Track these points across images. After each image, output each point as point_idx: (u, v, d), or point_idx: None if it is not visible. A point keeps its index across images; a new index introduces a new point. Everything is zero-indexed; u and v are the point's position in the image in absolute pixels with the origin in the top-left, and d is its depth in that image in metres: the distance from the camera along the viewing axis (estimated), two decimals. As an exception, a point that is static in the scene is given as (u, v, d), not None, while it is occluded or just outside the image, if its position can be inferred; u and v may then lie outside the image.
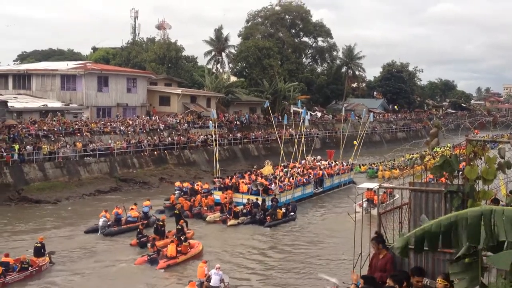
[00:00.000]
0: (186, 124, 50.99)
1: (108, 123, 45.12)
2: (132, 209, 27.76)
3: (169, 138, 46.22)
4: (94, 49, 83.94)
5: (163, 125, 48.65)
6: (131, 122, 46.72)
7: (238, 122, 58.27)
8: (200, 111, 56.99)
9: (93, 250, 23.31)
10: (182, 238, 22.54)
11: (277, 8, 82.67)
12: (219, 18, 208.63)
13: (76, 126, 41.70)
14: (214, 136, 40.17)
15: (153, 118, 50.93)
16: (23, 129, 37.82)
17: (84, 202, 34.12)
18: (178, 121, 50.97)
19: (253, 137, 55.08)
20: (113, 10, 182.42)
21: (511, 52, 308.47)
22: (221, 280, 18.22)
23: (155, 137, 45.45)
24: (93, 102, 49.80)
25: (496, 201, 11.16)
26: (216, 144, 38.96)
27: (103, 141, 41.05)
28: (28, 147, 35.53)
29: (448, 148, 46.15)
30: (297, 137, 41.36)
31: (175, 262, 21.07)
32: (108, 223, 26.08)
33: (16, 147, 34.73)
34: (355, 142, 42.06)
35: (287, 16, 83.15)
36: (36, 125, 39.29)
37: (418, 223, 8.74)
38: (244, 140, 53.69)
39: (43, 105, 45.74)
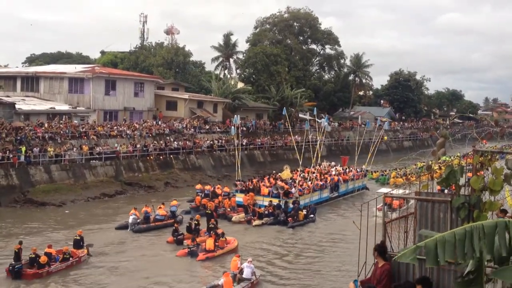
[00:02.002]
0: (192, 129, 51.06)
1: (115, 127, 45.23)
2: (160, 208, 29.28)
3: (175, 142, 46.28)
4: (103, 52, 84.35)
5: (169, 130, 48.73)
6: (137, 126, 46.82)
7: (244, 128, 58.29)
8: (207, 116, 57.07)
9: (127, 244, 25.10)
10: (224, 232, 24.43)
11: (286, 15, 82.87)
12: (227, 24, 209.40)
13: (83, 129, 41.83)
14: (236, 141, 41.50)
15: (160, 122, 51.04)
16: (30, 131, 37.98)
17: (88, 205, 34.20)
18: (184, 125, 51.05)
19: (259, 143, 55.04)
20: (122, 15, 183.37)
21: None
22: (253, 273, 19.60)
23: (161, 142, 45.53)
24: (100, 106, 49.99)
25: (503, 212, 11.08)
26: (238, 149, 39.97)
27: (109, 145, 41.16)
28: (34, 149, 35.66)
29: (457, 157, 46.12)
30: (304, 143, 42.11)
31: (213, 256, 22.87)
32: (138, 220, 27.64)
33: (23, 149, 34.86)
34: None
35: (295, 23, 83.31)
36: (43, 128, 39.45)
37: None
38: (250, 146, 53.68)
39: (51, 108, 45.94)
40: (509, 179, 7.70)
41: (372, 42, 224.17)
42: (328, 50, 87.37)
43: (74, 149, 38.27)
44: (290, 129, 47.33)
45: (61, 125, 41.18)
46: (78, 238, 23.04)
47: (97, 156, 38.97)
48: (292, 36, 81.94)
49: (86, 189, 36.25)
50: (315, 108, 50.64)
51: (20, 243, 21.08)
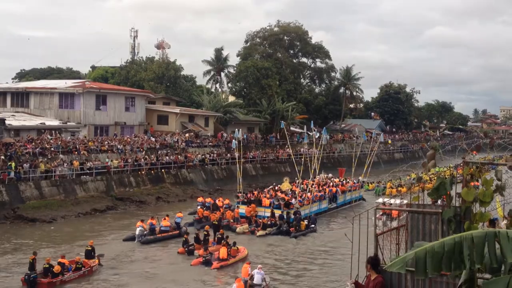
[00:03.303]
0: (183, 143, 50.96)
1: (106, 142, 45.05)
2: (164, 219, 30.15)
3: (167, 157, 46.14)
4: (93, 67, 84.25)
5: (160, 144, 48.58)
6: (128, 141, 46.66)
7: (236, 142, 58.20)
8: (198, 130, 57.02)
9: (137, 254, 26.06)
10: (231, 243, 25.46)
11: (276, 29, 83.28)
12: (217, 38, 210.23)
13: (74, 144, 41.61)
14: (237, 154, 42.51)
15: (151, 137, 50.90)
16: (21, 147, 37.72)
17: (79, 220, 33.90)
18: (176, 140, 50.95)
19: (251, 157, 55.00)
20: (112, 30, 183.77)
21: (505, 75, 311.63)
22: (263, 279, 20.77)
23: (153, 156, 45.37)
24: (91, 121, 49.82)
25: (492, 222, 11.13)
26: (239, 162, 41.05)
27: (100, 160, 40.95)
28: (25, 165, 35.41)
29: (448, 169, 46.52)
30: (304, 156, 43.40)
31: (226, 264, 24.10)
32: (145, 232, 28.46)
33: (13, 165, 34.59)
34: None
35: (285, 37, 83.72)
36: (33, 143, 39.21)
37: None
38: (242, 160, 53.55)
39: (41, 123, 45.71)
40: (499, 190, 7.74)
41: (362, 55, 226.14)
42: (319, 63, 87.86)
43: (65, 164, 38.03)
44: (288, 142, 48.65)
45: (51, 141, 40.95)
46: (90, 248, 23.85)
47: (88, 171, 38.73)
48: (282, 49, 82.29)
49: (76, 204, 35.96)
50: (311, 122, 51.40)
51: (35, 253, 21.82)
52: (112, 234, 29.98)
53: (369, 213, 10.08)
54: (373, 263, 8.80)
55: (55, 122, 47.52)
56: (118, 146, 44.50)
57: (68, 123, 48.09)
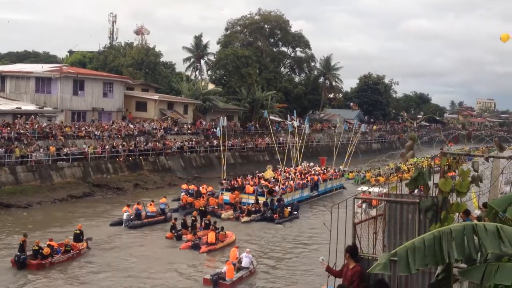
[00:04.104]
0: (162, 131, 50.64)
1: (83, 127, 44.50)
2: (150, 204, 30.59)
3: (145, 144, 45.80)
4: (71, 52, 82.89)
5: (138, 131, 48.19)
6: (106, 127, 46.17)
7: (215, 130, 58.08)
8: (177, 118, 56.70)
9: (126, 239, 26.57)
10: (219, 228, 26.17)
11: (257, 17, 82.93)
12: (197, 25, 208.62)
13: (50, 130, 41.01)
14: (222, 141, 42.42)
15: (129, 123, 50.44)
16: (-5, 131, 37.04)
17: (55, 206, 33.52)
18: (154, 127, 50.59)
19: (230, 145, 54.93)
20: (91, 14, 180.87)
21: (481, 67, 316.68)
22: (251, 262, 21.60)
23: (131, 143, 45.00)
24: (68, 106, 49.11)
25: (466, 213, 11.32)
26: (224, 150, 41.21)
27: (77, 146, 40.45)
28: (0, 150, 34.84)
29: (427, 159, 47.30)
30: (293, 143, 43.27)
31: (215, 248, 24.82)
32: (131, 217, 29.06)
33: (-13, 149, 33.99)
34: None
35: (266, 26, 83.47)
36: (8, 128, 38.52)
37: (392, 233, 8.81)
38: (223, 148, 53.43)
39: (17, 108, 44.93)
40: (476, 181, 7.87)
41: (341, 45, 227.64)
42: (299, 52, 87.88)
43: (41, 150, 37.49)
44: (271, 131, 49.14)
45: (27, 126, 40.30)
46: (78, 232, 24.45)
47: (65, 157, 38.24)
48: (263, 38, 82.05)
49: (53, 190, 35.53)
50: (294, 111, 51.84)
51: (25, 235, 22.22)
52: (88, 221, 29.61)
53: (348, 203, 10.14)
54: (352, 252, 8.89)
55: (31, 107, 46.73)
56: (96, 132, 44.01)
57: (45, 108, 47.35)
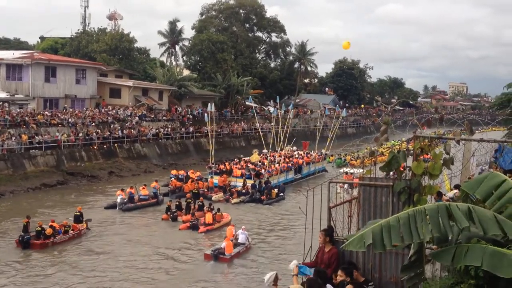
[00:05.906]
0: (137, 117, 50.15)
1: (56, 115, 43.77)
2: (143, 188, 31.68)
3: (120, 131, 45.32)
4: (42, 38, 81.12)
5: (112, 118, 47.63)
6: (80, 114, 45.50)
7: (190, 116, 57.82)
8: (152, 104, 56.19)
9: (122, 221, 27.91)
10: (215, 210, 27.78)
11: (232, 2, 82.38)
12: (172, 10, 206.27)
13: (22, 118, 40.25)
14: (210, 127, 42.85)
15: (103, 110, 49.79)
16: (-35, 119, 36.21)
17: (28, 195, 33.08)
18: (129, 114, 50.06)
19: (206, 131, 54.73)
20: (62, 0, 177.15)
21: (454, 52, 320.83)
22: (247, 238, 23.21)
23: (105, 130, 44.48)
24: (40, 93, 48.19)
25: (439, 194, 11.53)
26: (212, 135, 41.83)
27: (50, 134, 39.82)
28: (-31, 138, 34.07)
29: (402, 143, 48.02)
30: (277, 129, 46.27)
31: (212, 228, 26.37)
32: (124, 200, 30.11)
33: (-43, 138, 33.24)
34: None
35: (241, 11, 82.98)
36: (-22, 116, 37.70)
37: (366, 216, 8.92)
38: (197, 134, 53.35)
39: (-13, 95, 43.96)
40: (447, 163, 8.00)
41: (317, 30, 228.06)
42: (274, 38, 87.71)
43: (13, 138, 36.81)
44: (256, 117, 50.63)
45: (-2, 114, 39.45)
46: (78, 213, 25.73)
47: (37, 145, 37.62)
48: (238, 23, 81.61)
49: (25, 179, 34.95)
50: (277, 97, 52.71)
51: (28, 217, 23.52)
52: (61, 210, 29.41)
53: (324, 187, 10.20)
54: (330, 234, 8.97)
55: (2, 94, 45.74)
56: (69, 120, 43.36)
57: (16, 96, 46.41)
